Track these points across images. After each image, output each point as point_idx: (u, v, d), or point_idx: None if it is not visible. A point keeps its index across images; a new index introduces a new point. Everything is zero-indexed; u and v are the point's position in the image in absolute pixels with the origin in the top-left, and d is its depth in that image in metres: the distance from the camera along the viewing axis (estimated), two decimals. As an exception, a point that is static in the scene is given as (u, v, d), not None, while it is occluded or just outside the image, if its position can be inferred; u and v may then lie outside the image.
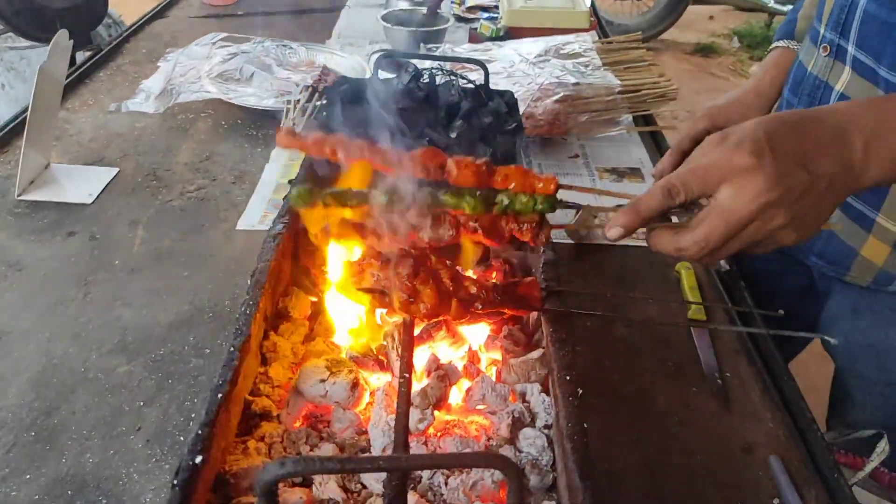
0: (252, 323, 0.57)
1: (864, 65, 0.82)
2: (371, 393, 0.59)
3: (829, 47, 0.87)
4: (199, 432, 0.46)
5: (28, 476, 0.67)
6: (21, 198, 1.08)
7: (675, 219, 0.62)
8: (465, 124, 0.87)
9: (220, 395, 0.49)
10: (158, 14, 1.84)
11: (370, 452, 0.53)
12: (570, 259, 0.99)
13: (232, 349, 0.54)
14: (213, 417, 0.47)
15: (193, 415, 0.74)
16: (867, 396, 0.99)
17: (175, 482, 0.43)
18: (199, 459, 0.44)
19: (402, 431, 0.46)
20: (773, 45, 1.09)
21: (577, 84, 1.29)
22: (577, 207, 1.03)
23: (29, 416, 0.74)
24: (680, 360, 0.83)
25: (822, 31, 0.88)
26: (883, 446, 0.92)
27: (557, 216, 1.04)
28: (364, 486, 0.51)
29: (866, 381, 0.96)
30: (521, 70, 1.38)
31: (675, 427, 0.75)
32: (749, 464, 0.72)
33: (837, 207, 0.59)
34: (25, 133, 1.05)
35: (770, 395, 0.79)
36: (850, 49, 0.83)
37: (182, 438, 0.71)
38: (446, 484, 0.51)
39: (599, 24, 1.86)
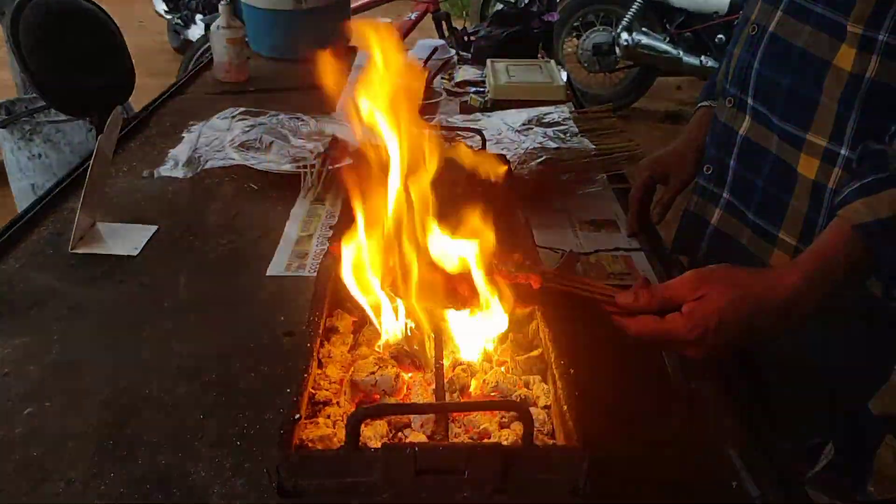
0: (319, 327, 0.72)
1: (761, 113, 1.03)
2: (408, 386, 0.74)
3: (733, 100, 1.09)
4: (295, 399, 0.60)
5: (112, 475, 0.80)
6: (73, 251, 1.22)
7: None
8: (469, 178, 1.04)
9: (305, 376, 0.63)
10: (178, 91, 2.03)
11: (411, 429, 0.67)
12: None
13: (308, 345, 0.69)
14: (303, 389, 0.62)
15: (246, 424, 0.87)
16: (786, 385, 1.14)
17: (281, 431, 0.57)
18: (297, 416, 0.58)
19: (441, 399, 0.61)
20: (698, 105, 1.29)
21: (557, 148, 1.48)
22: (562, 252, 1.21)
23: (105, 428, 0.87)
24: (656, 371, 0.98)
25: (727, 87, 1.10)
26: (829, 450, 1.07)
27: (544, 260, 1.21)
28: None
29: (784, 371, 1.12)
30: (507, 137, 1.57)
31: (653, 427, 0.90)
32: (713, 455, 0.87)
33: None
34: (82, 196, 1.21)
35: (729, 399, 0.94)
36: (750, 101, 1.05)
37: (238, 443, 0.85)
38: (472, 447, 0.65)
39: (575, 97, 2.08)
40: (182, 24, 5.39)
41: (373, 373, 0.70)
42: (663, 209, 1.30)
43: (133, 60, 1.61)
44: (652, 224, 1.41)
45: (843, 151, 0.93)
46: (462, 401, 0.71)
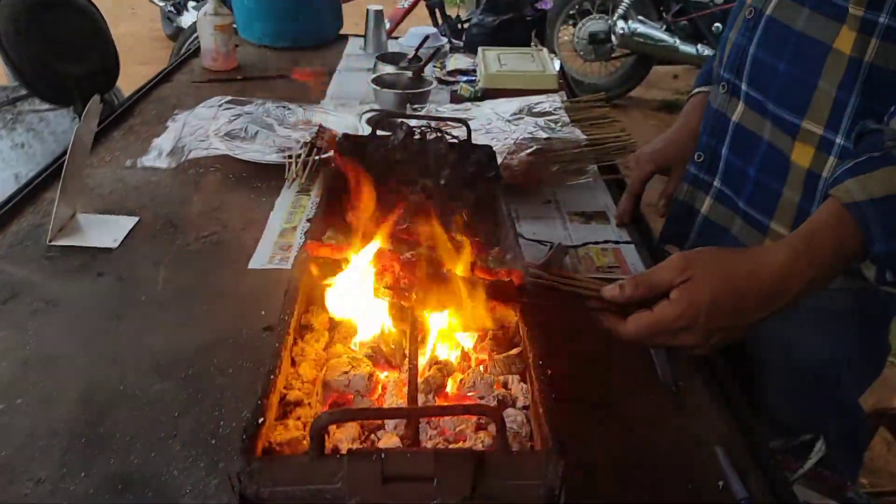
0: (290, 326, 0.70)
1: (755, 99, 1.01)
2: (383, 386, 0.72)
3: (726, 85, 1.07)
4: (259, 402, 0.58)
5: (83, 474, 0.78)
6: (52, 243, 1.20)
7: None
8: (451, 173, 1.02)
9: (271, 377, 0.61)
10: (164, 79, 2.00)
11: (385, 431, 0.65)
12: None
13: (277, 345, 0.67)
14: (268, 392, 0.59)
15: (222, 422, 0.85)
16: (775, 381, 1.13)
17: (244, 437, 0.54)
18: (260, 420, 0.56)
19: (413, 402, 0.59)
20: (694, 90, 1.27)
21: (548, 139, 1.45)
22: (549, 244, 1.18)
23: (78, 426, 0.85)
24: (641, 368, 0.96)
25: (721, 72, 1.08)
26: (819, 446, 1.05)
27: (531, 253, 1.19)
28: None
29: (772, 367, 1.11)
30: (497, 127, 1.54)
31: (637, 426, 0.88)
32: (699, 454, 0.85)
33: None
34: (59, 187, 1.18)
35: (716, 396, 0.92)
36: (744, 86, 1.03)
37: (213, 442, 0.83)
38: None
39: (567, 86, 2.05)
40: (174, 11, 5.34)
41: (346, 372, 0.68)
42: (669, 201, 1.27)
43: (126, 48, 1.59)
44: (642, 215, 1.39)
45: (838, 140, 0.91)
46: (436, 403, 0.69)
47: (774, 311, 0.77)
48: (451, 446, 0.63)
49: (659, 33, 4.65)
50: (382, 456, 0.49)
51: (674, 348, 0.80)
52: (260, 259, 1.20)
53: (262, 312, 1.05)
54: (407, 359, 0.69)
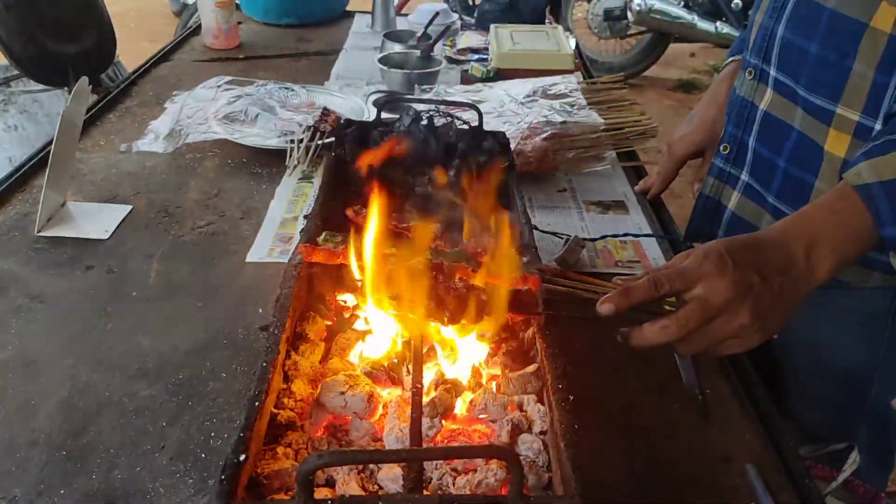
0: (281, 342, 0.63)
1: (785, 85, 0.94)
2: (384, 405, 0.65)
3: (753, 71, 1.00)
4: (241, 435, 0.52)
5: (62, 491, 0.72)
6: (40, 234, 1.14)
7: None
8: (461, 163, 0.95)
9: (256, 404, 0.55)
10: (163, 58, 1.92)
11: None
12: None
13: (264, 364, 0.60)
14: (252, 423, 0.53)
15: (213, 433, 0.79)
16: (804, 386, 1.07)
17: (222, 477, 0.48)
18: (242, 457, 0.50)
19: (416, 434, 0.52)
20: (728, 59, 1.20)
21: (563, 123, 1.37)
22: (566, 238, 1.11)
23: (59, 437, 0.79)
24: (664, 378, 0.89)
25: (748, 57, 1.01)
26: (854, 457, 0.98)
27: (546, 246, 1.12)
28: (381, 487, 0.57)
29: (802, 372, 1.04)
30: (510, 110, 1.46)
31: (660, 440, 0.81)
32: (728, 472, 0.78)
33: (797, 308, 0.71)
34: (47, 174, 1.12)
35: (746, 408, 0.85)
36: (772, 72, 0.96)
37: (203, 455, 0.77)
38: (454, 483, 0.57)
39: (584, 66, 1.96)
40: (181, -14, 5.24)
41: (342, 392, 0.62)
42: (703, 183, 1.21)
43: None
44: (664, 205, 1.31)
45: (877, 126, 0.84)
46: (443, 427, 0.62)
47: (797, 281, 0.70)
48: (459, 478, 0.57)
49: (676, 10, 4.51)
50: None
51: (727, 350, 0.71)
52: (259, 251, 1.13)
53: (260, 310, 0.99)
54: (410, 375, 0.62)
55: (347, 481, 0.56)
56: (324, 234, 0.75)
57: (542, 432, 0.63)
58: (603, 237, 1.16)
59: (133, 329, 0.95)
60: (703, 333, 0.68)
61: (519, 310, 0.66)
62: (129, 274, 1.07)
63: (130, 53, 2.33)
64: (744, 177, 1.05)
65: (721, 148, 1.07)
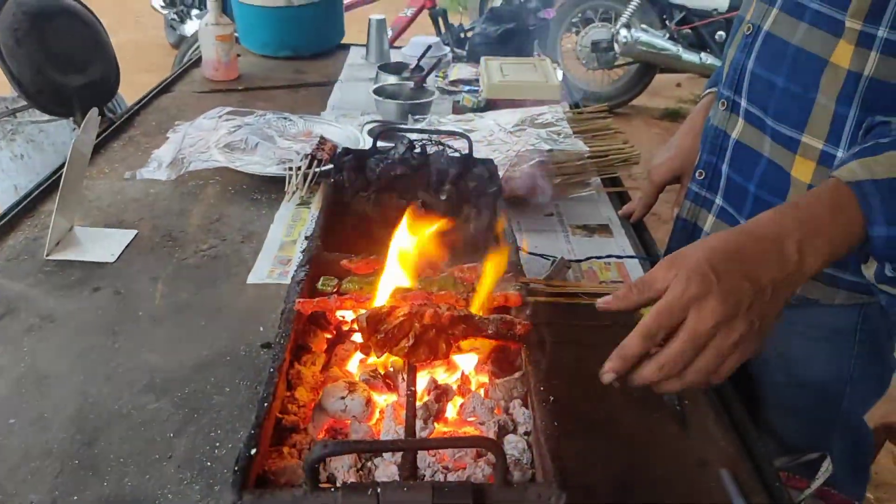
0: (286, 350, 0.68)
1: (754, 115, 1.01)
2: (381, 410, 0.70)
3: (726, 103, 1.07)
4: (252, 432, 0.57)
5: (75, 498, 0.77)
6: (49, 258, 1.18)
7: None
8: (452, 189, 1.01)
9: (265, 405, 0.60)
10: (165, 89, 1.99)
11: (382, 458, 0.63)
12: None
13: (272, 370, 0.65)
14: (262, 421, 0.58)
15: (218, 443, 0.84)
16: (780, 398, 1.11)
17: (235, 468, 0.53)
18: (253, 451, 0.54)
19: (411, 435, 0.57)
20: (705, 91, 1.27)
21: (550, 150, 1.44)
22: (553, 259, 1.17)
23: (72, 447, 0.83)
24: (644, 390, 0.94)
25: (721, 90, 1.08)
26: (826, 465, 1.03)
27: (533, 267, 1.17)
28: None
29: (777, 385, 1.09)
30: (499, 138, 1.52)
31: (640, 447, 0.86)
32: (703, 476, 0.83)
33: (786, 303, 0.70)
34: (57, 200, 1.17)
35: (721, 417, 0.91)
36: (743, 103, 1.03)
37: (209, 464, 0.81)
38: (445, 479, 0.62)
39: (571, 96, 2.03)
40: (178, 19, 5.35)
41: (342, 397, 0.67)
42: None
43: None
44: (646, 228, 1.38)
45: (839, 154, 0.90)
46: (435, 429, 0.67)
47: (789, 279, 0.69)
48: (450, 475, 0.62)
49: (662, 42, 4.64)
50: (378, 490, 0.48)
51: (726, 369, 0.70)
52: (259, 273, 1.18)
53: (261, 328, 1.04)
54: (405, 382, 0.67)
55: (347, 478, 0.61)
56: (322, 279, 0.81)
57: (526, 433, 0.68)
58: (588, 258, 1.22)
59: (140, 347, 1.00)
60: (700, 362, 0.67)
61: (507, 339, 0.71)
62: (136, 295, 1.11)
63: (129, 85, 2.39)
64: (718, 201, 1.11)
65: (696, 174, 1.14)
